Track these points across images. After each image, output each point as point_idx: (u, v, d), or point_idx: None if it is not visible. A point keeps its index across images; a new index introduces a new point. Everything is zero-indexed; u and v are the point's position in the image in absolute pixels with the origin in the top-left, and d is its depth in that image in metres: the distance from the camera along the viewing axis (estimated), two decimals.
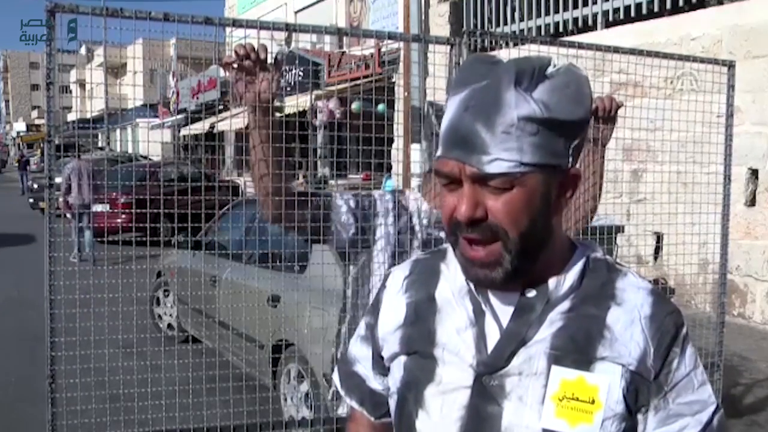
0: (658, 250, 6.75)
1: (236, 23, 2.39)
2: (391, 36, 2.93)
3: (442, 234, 1.64)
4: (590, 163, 2.07)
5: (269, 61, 1.77)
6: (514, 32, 8.90)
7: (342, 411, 1.99)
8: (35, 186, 17.90)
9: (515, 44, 2.89)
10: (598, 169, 2.08)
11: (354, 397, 1.18)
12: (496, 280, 0.92)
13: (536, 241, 0.92)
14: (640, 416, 0.95)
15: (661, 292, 1.01)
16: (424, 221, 1.97)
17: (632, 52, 2.82)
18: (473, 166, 0.88)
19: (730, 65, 3.21)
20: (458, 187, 0.91)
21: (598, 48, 2.68)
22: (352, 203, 1.93)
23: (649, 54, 2.84)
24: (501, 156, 0.87)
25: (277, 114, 1.83)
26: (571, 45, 2.59)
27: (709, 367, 3.46)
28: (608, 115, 2.07)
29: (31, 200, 17.66)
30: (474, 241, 0.92)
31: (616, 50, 2.78)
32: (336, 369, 1.24)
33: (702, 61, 3.36)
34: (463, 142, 0.89)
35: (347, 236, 1.92)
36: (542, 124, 0.88)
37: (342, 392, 1.21)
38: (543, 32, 8.64)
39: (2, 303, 7.53)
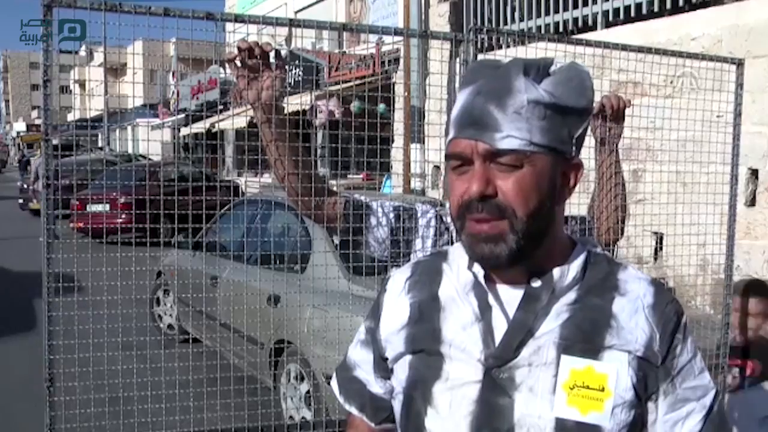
0: (658, 250, 6.73)
1: (238, 18, 2.35)
2: (397, 32, 2.91)
3: None
4: (607, 167, 2.02)
5: (272, 58, 1.73)
6: (522, 30, 8.87)
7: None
8: (24, 186, 17.11)
9: (522, 42, 2.85)
10: (613, 170, 2.04)
11: (354, 403, 1.17)
12: (501, 256, 0.94)
13: (541, 224, 0.95)
14: (650, 404, 0.97)
15: (660, 283, 1.04)
16: None
17: (640, 50, 2.79)
18: (486, 142, 0.92)
19: (739, 63, 3.18)
20: (469, 168, 0.94)
21: (606, 45, 2.65)
22: (391, 217, 1.86)
23: (657, 52, 2.80)
24: (512, 133, 0.91)
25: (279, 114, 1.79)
26: (579, 42, 2.55)
27: (712, 369, 3.43)
28: (617, 114, 2.03)
29: (20, 201, 16.86)
30: (481, 219, 0.94)
31: (624, 48, 2.75)
32: (334, 376, 1.22)
33: (710, 59, 3.31)
34: (476, 121, 0.93)
35: (382, 254, 1.86)
36: (549, 108, 0.93)
37: (341, 399, 1.20)
38: (543, 32, 8.62)
39: (2, 303, 7.50)
